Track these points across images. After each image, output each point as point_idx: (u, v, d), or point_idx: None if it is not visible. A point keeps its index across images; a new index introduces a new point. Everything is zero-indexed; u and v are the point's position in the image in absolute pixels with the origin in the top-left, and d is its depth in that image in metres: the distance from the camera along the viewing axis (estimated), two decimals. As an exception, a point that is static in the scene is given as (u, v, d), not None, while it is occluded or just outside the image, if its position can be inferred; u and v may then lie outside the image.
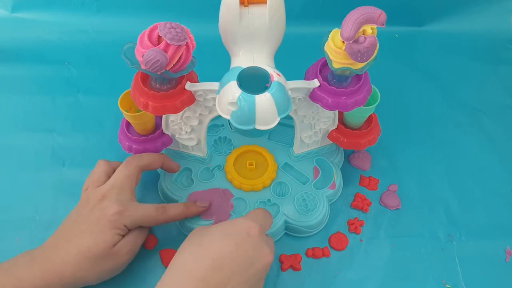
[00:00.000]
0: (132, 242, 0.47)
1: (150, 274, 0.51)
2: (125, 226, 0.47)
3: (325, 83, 0.47)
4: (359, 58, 0.42)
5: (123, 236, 0.47)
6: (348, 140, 0.55)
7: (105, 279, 0.47)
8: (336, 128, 0.55)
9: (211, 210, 0.53)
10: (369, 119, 0.55)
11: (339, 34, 0.42)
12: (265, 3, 0.45)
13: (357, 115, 0.53)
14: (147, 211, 0.48)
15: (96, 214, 0.46)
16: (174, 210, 0.50)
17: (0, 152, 0.60)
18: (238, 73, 0.43)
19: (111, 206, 0.46)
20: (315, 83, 0.48)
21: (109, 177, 0.50)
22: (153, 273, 0.51)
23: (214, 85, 0.46)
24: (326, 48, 0.44)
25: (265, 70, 0.44)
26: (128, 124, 0.54)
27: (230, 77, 0.43)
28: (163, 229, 0.54)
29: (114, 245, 0.46)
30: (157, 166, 0.53)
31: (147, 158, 0.51)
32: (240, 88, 0.42)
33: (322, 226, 0.54)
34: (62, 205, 0.56)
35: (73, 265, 0.44)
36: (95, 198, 0.47)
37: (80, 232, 0.46)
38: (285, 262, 0.52)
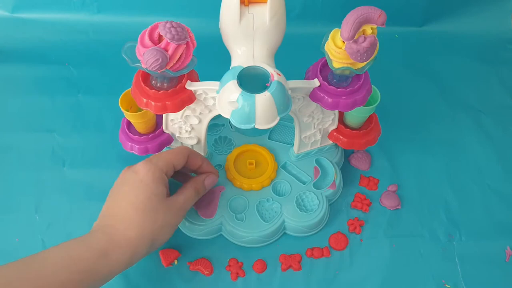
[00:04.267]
0: (184, 199, 0.48)
1: (150, 274, 0.51)
2: (164, 173, 0.47)
3: (325, 82, 0.47)
4: (359, 58, 0.42)
5: (168, 187, 0.47)
6: (348, 140, 0.55)
7: (169, 236, 0.47)
8: (336, 128, 0.55)
9: (210, 209, 0.53)
10: (369, 119, 0.55)
11: (339, 34, 0.42)
12: (266, 2, 0.45)
13: (357, 115, 0.53)
14: (174, 149, 0.49)
15: (130, 174, 0.46)
16: (198, 155, 0.52)
17: (0, 152, 0.60)
18: (238, 72, 0.43)
19: (138, 165, 0.46)
20: (315, 82, 0.48)
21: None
22: (153, 273, 0.51)
23: (214, 84, 0.46)
24: (326, 48, 0.45)
25: (265, 69, 0.44)
26: (128, 124, 0.54)
27: (230, 76, 0.43)
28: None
29: (164, 196, 0.46)
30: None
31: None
32: (240, 87, 0.42)
33: (322, 226, 0.54)
34: (62, 205, 0.56)
35: (136, 223, 0.44)
36: (126, 168, 0.48)
37: (126, 193, 0.45)
38: (285, 262, 0.52)
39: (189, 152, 0.50)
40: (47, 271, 0.39)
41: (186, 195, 0.48)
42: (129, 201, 0.45)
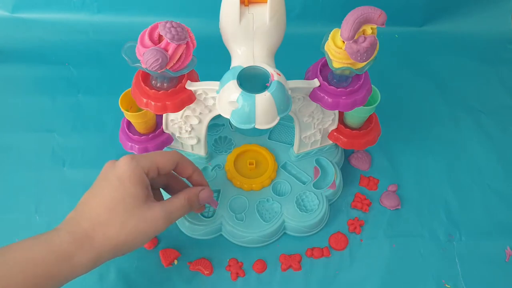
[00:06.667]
0: (170, 207, 0.44)
1: (150, 274, 0.51)
2: (145, 173, 0.43)
3: (325, 82, 0.47)
4: (359, 58, 0.42)
5: (149, 190, 0.43)
6: (348, 140, 0.55)
7: (141, 244, 0.43)
8: (336, 128, 0.55)
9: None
10: (369, 119, 0.55)
11: (339, 34, 0.42)
12: (266, 2, 0.45)
13: (357, 115, 0.53)
14: (164, 151, 0.47)
15: (110, 169, 0.43)
16: (190, 163, 0.48)
17: (0, 152, 0.60)
18: (238, 72, 0.43)
19: (121, 160, 0.43)
20: (315, 82, 0.48)
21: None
22: (153, 273, 0.51)
23: (214, 84, 0.46)
24: (326, 48, 0.45)
25: (265, 69, 0.44)
26: (128, 124, 0.54)
27: (230, 76, 0.43)
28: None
29: (142, 198, 0.42)
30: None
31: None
32: (240, 87, 0.42)
33: (322, 226, 0.54)
34: (62, 205, 0.56)
35: (102, 223, 0.40)
36: (110, 161, 0.45)
37: (101, 188, 0.42)
38: (285, 262, 0.52)
39: (179, 158, 0.46)
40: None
41: (175, 204, 0.45)
42: (101, 198, 0.42)
